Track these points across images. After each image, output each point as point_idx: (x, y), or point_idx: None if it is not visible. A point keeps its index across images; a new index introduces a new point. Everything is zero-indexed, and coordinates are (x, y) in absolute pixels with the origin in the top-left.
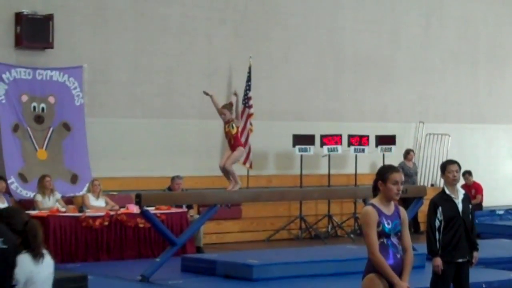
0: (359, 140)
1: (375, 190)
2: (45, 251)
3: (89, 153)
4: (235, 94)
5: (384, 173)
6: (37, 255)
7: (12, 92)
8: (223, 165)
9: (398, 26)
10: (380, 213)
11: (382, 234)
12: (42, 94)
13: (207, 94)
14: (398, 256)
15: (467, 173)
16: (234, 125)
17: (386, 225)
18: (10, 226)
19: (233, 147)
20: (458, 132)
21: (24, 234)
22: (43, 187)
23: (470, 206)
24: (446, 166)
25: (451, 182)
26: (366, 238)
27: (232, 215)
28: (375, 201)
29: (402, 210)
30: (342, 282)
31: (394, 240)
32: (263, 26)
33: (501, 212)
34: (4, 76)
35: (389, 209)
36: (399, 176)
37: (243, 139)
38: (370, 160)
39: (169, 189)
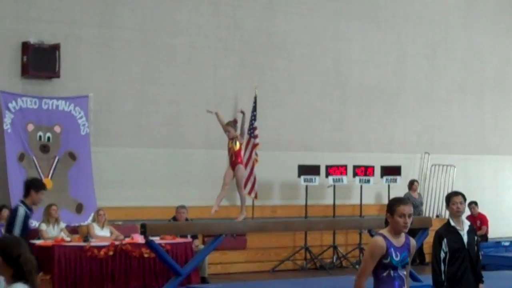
0: (364, 171)
1: (387, 222)
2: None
3: (94, 183)
4: (242, 112)
5: (392, 205)
6: None
7: (18, 121)
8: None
9: (404, 57)
10: (389, 244)
11: (389, 266)
12: (48, 123)
13: (211, 112)
14: None
15: (473, 203)
16: (237, 141)
17: (394, 257)
18: (3, 256)
19: (233, 164)
20: (464, 163)
21: (16, 265)
22: (48, 215)
23: (476, 237)
24: (450, 198)
25: (455, 214)
26: (362, 263)
27: (237, 245)
28: (385, 232)
29: (412, 241)
30: None
31: (401, 272)
32: (269, 56)
33: (507, 244)
34: (10, 105)
35: (399, 241)
36: (407, 209)
37: (248, 169)
38: (375, 190)
39: (174, 219)
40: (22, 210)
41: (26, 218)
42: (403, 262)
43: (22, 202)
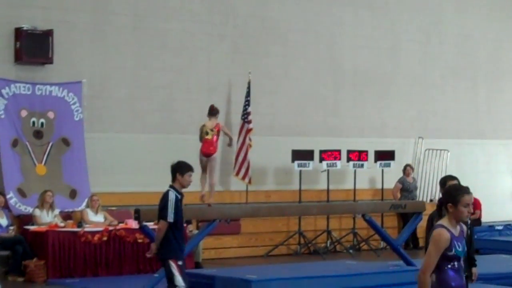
0: (358, 156)
1: (441, 210)
2: None
3: (88, 168)
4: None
5: (455, 195)
6: None
7: (12, 107)
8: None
9: (397, 42)
10: (452, 236)
11: (454, 257)
12: (41, 109)
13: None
14: (464, 278)
15: None
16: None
17: (457, 248)
18: None
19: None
20: (457, 148)
21: None
22: (43, 201)
23: (469, 221)
24: (447, 181)
25: None
26: (427, 257)
27: (231, 230)
28: (445, 223)
29: (464, 228)
30: None
31: (462, 262)
32: (263, 42)
33: (500, 228)
34: (3, 91)
35: (456, 230)
36: (470, 198)
37: (242, 154)
38: (369, 175)
39: None
40: (172, 195)
41: (177, 202)
42: (464, 251)
43: (171, 186)
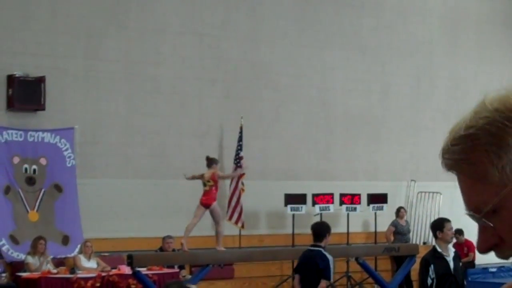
0: (350, 199)
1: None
2: None
3: (80, 214)
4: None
5: None
6: None
7: (4, 154)
8: None
9: (388, 86)
10: None
11: None
12: (33, 155)
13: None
14: None
15: (457, 233)
16: None
17: None
18: None
19: None
20: (450, 190)
21: None
22: (35, 248)
23: (460, 264)
24: (444, 224)
25: (449, 240)
26: None
27: (224, 275)
28: None
29: None
30: None
31: None
32: (254, 86)
33: (494, 270)
34: None
35: None
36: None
37: (234, 199)
38: (362, 218)
39: (161, 249)
40: (329, 256)
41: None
42: None
43: (322, 247)
